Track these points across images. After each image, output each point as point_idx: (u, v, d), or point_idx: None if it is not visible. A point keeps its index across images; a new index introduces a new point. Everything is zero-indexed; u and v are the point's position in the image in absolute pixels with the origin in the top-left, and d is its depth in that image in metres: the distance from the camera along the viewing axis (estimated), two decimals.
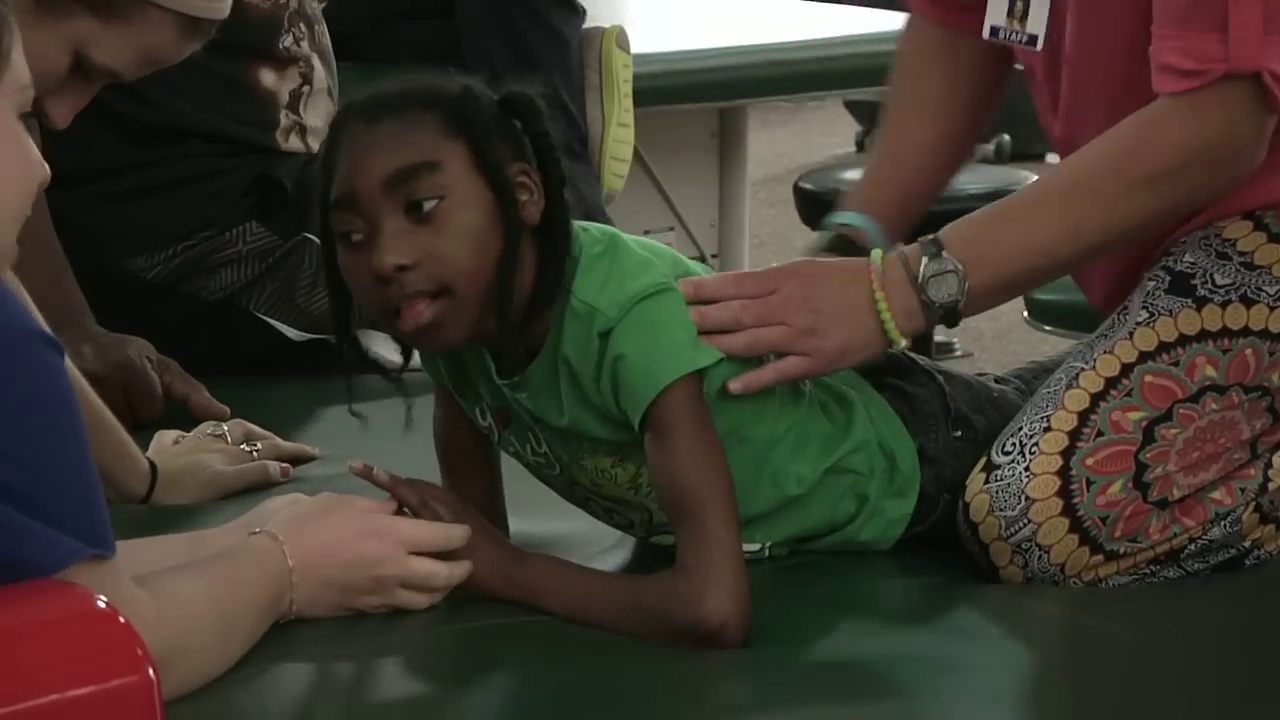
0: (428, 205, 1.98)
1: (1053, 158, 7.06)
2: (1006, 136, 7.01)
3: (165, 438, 2.47)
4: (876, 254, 2.18)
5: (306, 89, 2.97)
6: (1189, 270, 2.25)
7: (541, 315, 2.04)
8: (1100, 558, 2.22)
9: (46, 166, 1.86)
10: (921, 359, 2.31)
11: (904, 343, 2.14)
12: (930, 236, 2.17)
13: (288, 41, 2.93)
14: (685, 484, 2.02)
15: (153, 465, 2.39)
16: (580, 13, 4.28)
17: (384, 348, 2.17)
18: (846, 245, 2.42)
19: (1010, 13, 2.36)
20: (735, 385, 2.08)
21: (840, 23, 5.09)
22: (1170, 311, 2.24)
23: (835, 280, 2.15)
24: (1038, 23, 2.35)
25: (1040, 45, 2.35)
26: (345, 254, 2.02)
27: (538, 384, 2.08)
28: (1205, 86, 2.14)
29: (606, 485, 2.15)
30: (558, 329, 2.04)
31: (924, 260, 2.15)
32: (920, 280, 2.14)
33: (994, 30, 2.38)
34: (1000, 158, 6.92)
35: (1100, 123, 2.25)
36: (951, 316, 2.16)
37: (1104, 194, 2.19)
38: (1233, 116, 2.16)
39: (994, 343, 4.92)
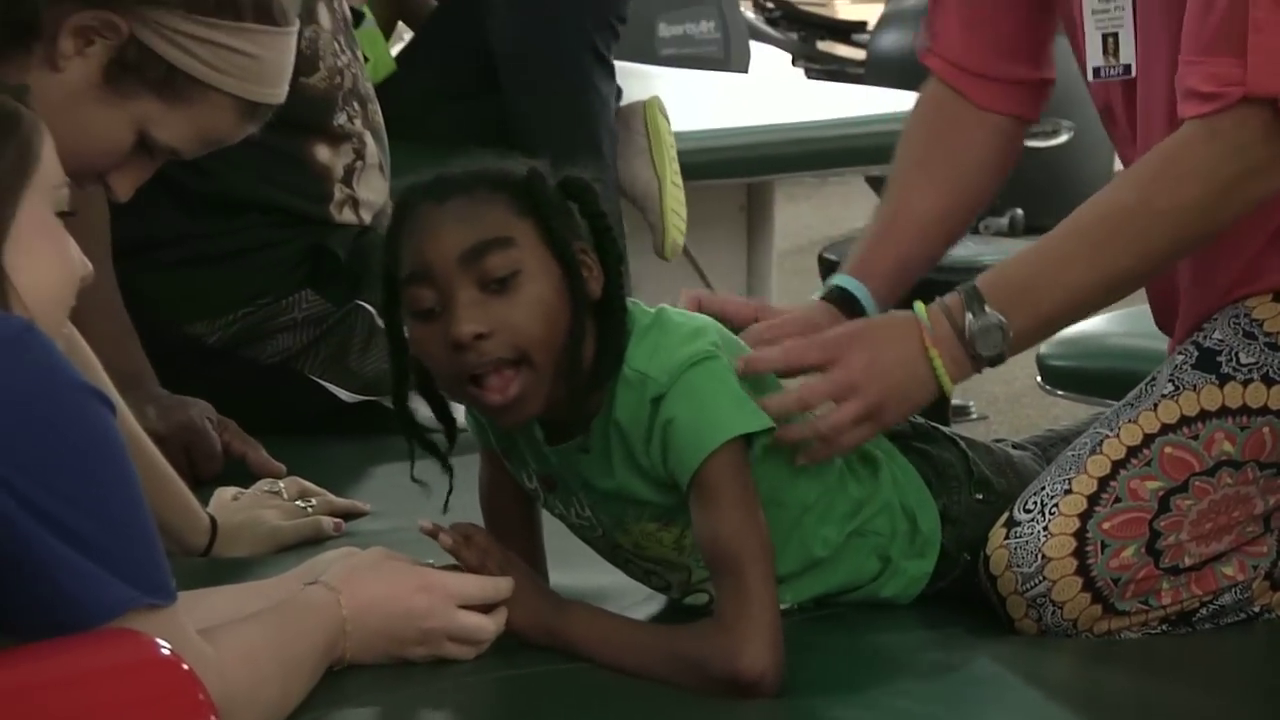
0: (502, 278, 1.98)
1: None
2: (1020, 210, 7.02)
3: (225, 494, 2.47)
4: (920, 309, 2.17)
5: (359, 164, 2.98)
6: (1216, 347, 2.24)
7: (603, 385, 2.04)
8: (1111, 615, 2.21)
9: (89, 263, 1.87)
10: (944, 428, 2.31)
11: (952, 390, 2.15)
12: (971, 286, 2.16)
13: (342, 119, 2.95)
14: (728, 542, 2.01)
15: (213, 520, 2.39)
16: (615, 80, 4.31)
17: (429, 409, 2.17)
18: (839, 305, 2.41)
19: (1105, 49, 2.35)
20: (800, 460, 2.10)
21: (860, 103, 5.11)
22: (1194, 386, 2.22)
23: (890, 339, 2.15)
24: (1128, 52, 2.34)
25: (1134, 71, 2.34)
26: (418, 327, 2.02)
27: (582, 447, 2.07)
28: (1224, 110, 2.13)
29: (650, 547, 2.14)
30: (610, 396, 2.04)
31: (969, 316, 2.14)
32: (967, 336, 2.14)
33: (1096, 71, 2.36)
34: (1014, 230, 6.92)
35: None
36: (996, 363, 2.16)
37: (1130, 225, 2.19)
38: (1249, 140, 2.14)
39: (1007, 405, 4.92)
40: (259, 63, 2.17)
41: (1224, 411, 2.22)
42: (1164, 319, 2.45)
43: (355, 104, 2.98)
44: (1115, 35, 2.33)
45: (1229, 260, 2.27)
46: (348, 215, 2.97)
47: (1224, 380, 2.22)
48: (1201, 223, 2.18)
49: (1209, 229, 2.19)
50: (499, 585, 2.06)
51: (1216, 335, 2.25)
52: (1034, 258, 2.23)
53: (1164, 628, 2.23)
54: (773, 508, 2.07)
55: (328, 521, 2.45)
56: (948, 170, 2.53)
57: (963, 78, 2.51)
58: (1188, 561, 2.21)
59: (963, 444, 2.28)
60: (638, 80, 4.50)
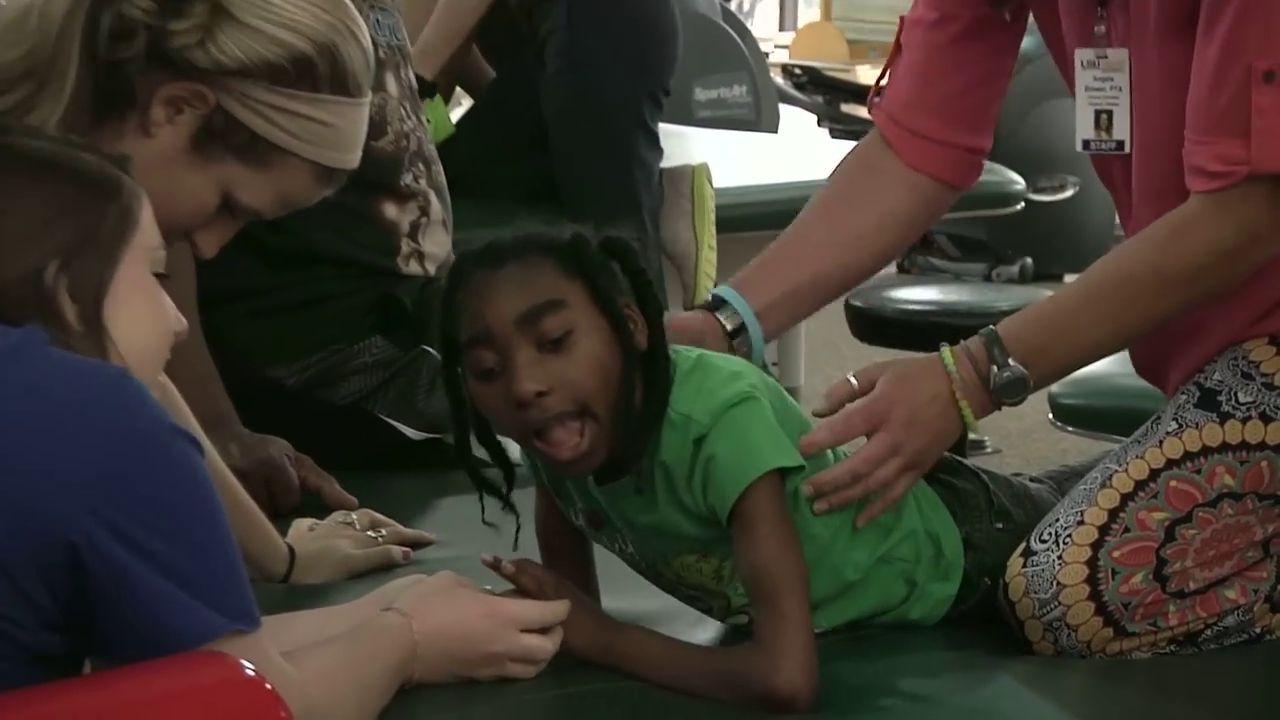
0: (557, 338, 1.98)
1: (1073, 277, 7.14)
2: (1029, 259, 7.03)
3: (302, 525, 2.47)
4: (948, 359, 2.17)
5: (424, 220, 2.98)
6: (1216, 388, 2.24)
7: (652, 429, 2.03)
8: (1123, 637, 2.20)
9: (183, 319, 1.88)
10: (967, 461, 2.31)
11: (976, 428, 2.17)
12: (993, 334, 2.17)
13: (408, 179, 2.95)
14: (765, 569, 2.01)
15: (291, 549, 2.39)
16: (660, 146, 4.31)
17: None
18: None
19: (1097, 124, 2.34)
20: (861, 520, 2.12)
21: None
22: (1197, 424, 2.22)
23: (924, 393, 2.16)
24: (1122, 129, 2.33)
25: (1128, 148, 2.33)
26: (480, 386, 2.03)
27: (632, 487, 2.07)
28: (1230, 187, 2.13)
29: (691, 576, 2.14)
30: (656, 438, 2.04)
31: (994, 369, 2.15)
32: (992, 386, 2.15)
33: (1085, 143, 2.35)
34: (1024, 278, 6.93)
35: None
36: (1015, 405, 2.19)
37: (1143, 292, 2.19)
38: (1254, 213, 2.14)
39: (1019, 440, 4.90)
40: (335, 131, 2.17)
41: (1224, 447, 2.21)
42: (1149, 367, 2.44)
43: (420, 165, 2.98)
44: (1110, 112, 2.32)
45: (1232, 313, 2.26)
46: (414, 267, 2.97)
47: (1224, 418, 2.22)
48: (1208, 287, 2.18)
49: (1214, 292, 2.20)
50: (555, 609, 2.05)
51: (1216, 376, 2.25)
52: (1051, 319, 2.23)
53: (1171, 648, 2.22)
54: (805, 538, 2.07)
55: (397, 550, 2.44)
56: (855, 214, 2.51)
57: (900, 133, 2.49)
58: (1193, 586, 2.20)
59: (984, 477, 2.27)
60: (676, 140, 4.50)
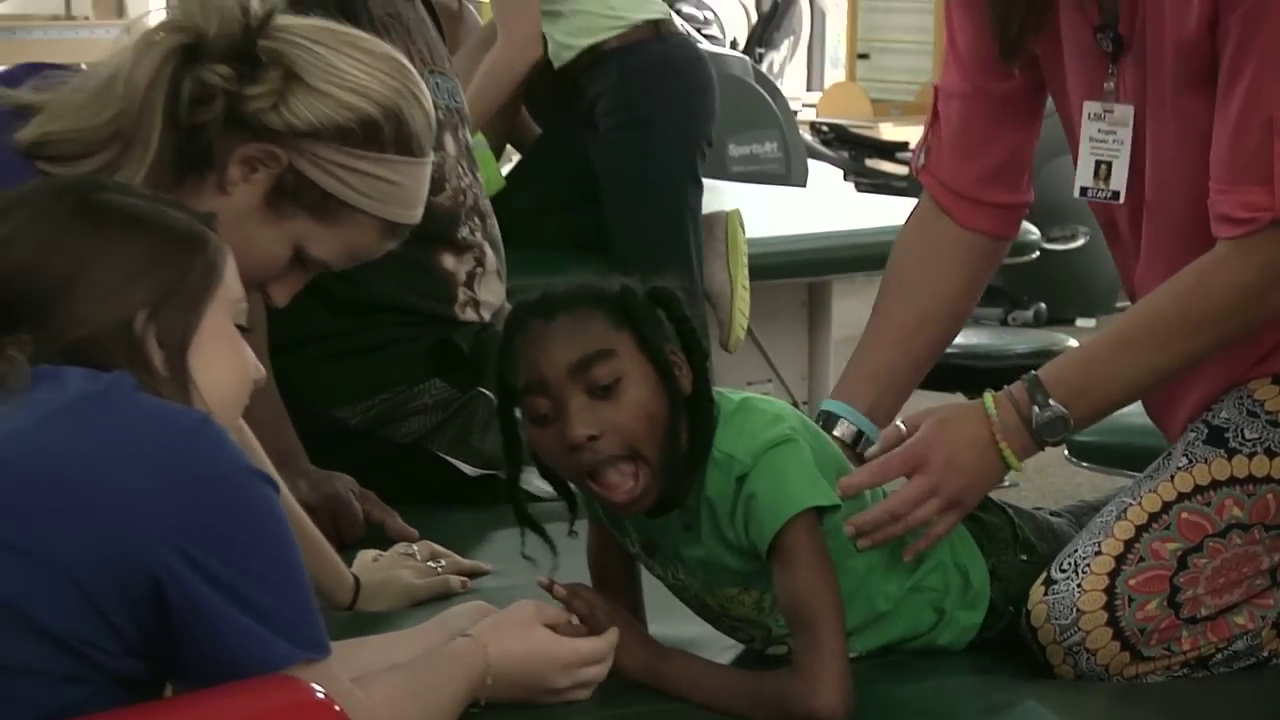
0: (607, 385, 1.99)
1: (1084, 321, 7.15)
2: (1043, 304, 7.02)
3: (366, 556, 2.47)
4: (989, 403, 2.17)
5: (480, 270, 2.98)
6: (1224, 425, 2.23)
7: (698, 468, 2.04)
8: (1139, 661, 2.20)
9: (261, 368, 1.89)
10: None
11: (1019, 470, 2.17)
12: (1034, 379, 2.17)
13: (464, 232, 2.95)
14: (803, 600, 2.01)
15: (356, 579, 2.39)
16: (703, 191, 4.33)
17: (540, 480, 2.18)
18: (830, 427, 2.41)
19: (1096, 174, 2.33)
20: (907, 555, 2.13)
21: (904, 213, 5.06)
22: (1206, 460, 2.22)
23: (963, 436, 2.15)
24: (1119, 180, 2.32)
25: (1122, 200, 2.33)
26: (536, 431, 2.03)
27: (678, 522, 2.08)
28: (1256, 232, 2.12)
29: (734, 608, 2.14)
30: (702, 476, 2.04)
31: (1035, 409, 2.15)
32: (1034, 426, 2.15)
33: (1083, 190, 2.35)
34: (1038, 322, 6.91)
35: (1184, 262, 2.22)
36: (1056, 445, 2.18)
37: (1175, 334, 2.18)
38: (1278, 256, 2.14)
39: (1035, 475, 4.88)
40: (400, 189, 2.17)
41: (1232, 481, 2.21)
42: (1157, 408, 2.43)
43: (476, 219, 2.98)
44: (1109, 164, 2.31)
45: (1236, 356, 2.25)
46: (470, 314, 2.97)
47: (1231, 454, 2.22)
48: (1235, 328, 2.18)
49: (1240, 333, 2.19)
50: (609, 640, 2.06)
51: (1224, 414, 2.24)
52: (1089, 363, 2.22)
53: (1184, 671, 2.22)
54: (841, 571, 2.06)
55: (455, 580, 2.44)
56: (928, 286, 2.51)
57: (951, 198, 2.49)
58: (1204, 612, 2.20)
59: (1010, 511, 2.27)
60: (712, 193, 4.50)
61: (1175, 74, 2.21)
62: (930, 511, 2.11)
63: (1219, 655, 2.22)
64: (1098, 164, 2.32)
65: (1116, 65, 2.28)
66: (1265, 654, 2.25)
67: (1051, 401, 2.15)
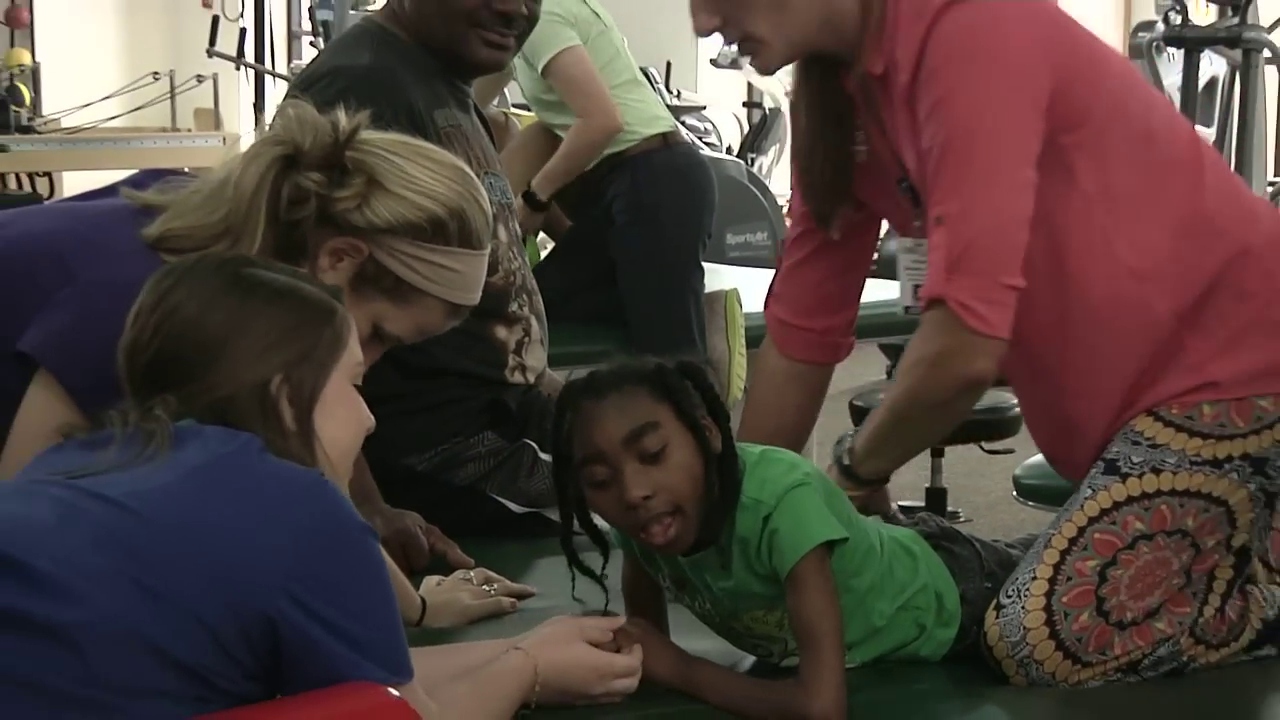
0: (655, 452, 1.99)
1: None
2: None
3: (431, 580, 2.46)
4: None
5: (527, 339, 2.99)
6: (1115, 457, 2.24)
7: (728, 513, 2.04)
8: (1079, 667, 2.19)
9: (372, 418, 1.90)
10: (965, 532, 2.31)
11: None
12: (849, 446, 2.29)
13: (514, 307, 2.96)
14: (811, 621, 2.01)
15: (423, 600, 2.39)
16: (704, 275, 4.35)
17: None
18: None
19: (915, 295, 2.34)
20: None
21: (873, 291, 5.11)
22: (1106, 487, 2.22)
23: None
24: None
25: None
26: (595, 494, 2.04)
27: (712, 559, 2.08)
28: (925, 311, 2.17)
29: (758, 627, 2.13)
30: (733, 519, 2.04)
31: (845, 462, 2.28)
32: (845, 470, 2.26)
33: (906, 309, 2.39)
34: None
35: None
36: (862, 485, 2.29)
37: (895, 389, 2.26)
38: (936, 330, 2.17)
39: (987, 511, 4.88)
40: (462, 276, 2.19)
41: (1130, 500, 2.21)
42: (1062, 465, 2.44)
43: (524, 296, 2.99)
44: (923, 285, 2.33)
45: (1111, 411, 2.28)
46: (518, 377, 2.97)
47: (1124, 477, 2.22)
48: (917, 390, 2.24)
49: (924, 397, 2.24)
50: (637, 656, 2.06)
51: (1114, 449, 2.25)
52: (867, 437, 2.30)
53: (1118, 675, 2.21)
54: (843, 592, 2.06)
55: (506, 601, 2.44)
56: (766, 410, 2.59)
57: (777, 327, 2.54)
58: (1130, 616, 2.20)
59: (977, 545, 2.27)
60: (713, 275, 4.51)
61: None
62: None
63: (1146, 660, 2.21)
64: (915, 287, 2.34)
65: (919, 209, 2.30)
66: (1185, 659, 2.24)
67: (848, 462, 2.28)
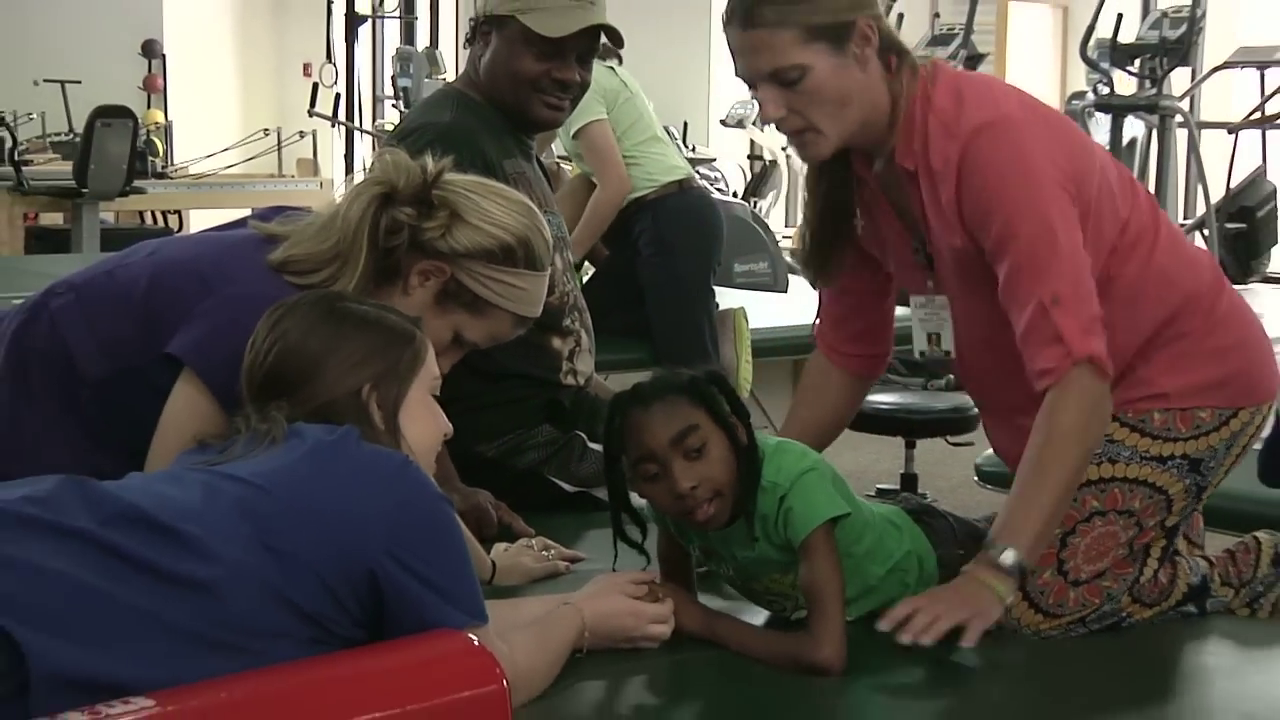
0: (697, 449, 1.98)
1: None
2: (952, 375, 6.91)
3: (499, 547, 2.45)
4: (970, 566, 2.10)
5: (578, 349, 2.97)
6: None
7: (752, 494, 2.03)
8: (1041, 617, 2.18)
9: (450, 426, 1.93)
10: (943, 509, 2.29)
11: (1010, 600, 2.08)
12: (988, 539, 2.09)
13: (567, 321, 2.95)
14: (817, 583, 2.00)
15: (493, 562, 2.38)
16: (716, 300, 4.36)
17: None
18: None
19: (930, 341, 2.33)
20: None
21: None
22: None
23: (963, 583, 2.07)
24: (948, 342, 2.32)
25: (953, 355, 2.33)
26: (647, 487, 2.03)
27: (740, 532, 2.06)
28: (1065, 375, 2.09)
29: (776, 587, 2.12)
30: (754, 499, 2.03)
31: (998, 558, 2.06)
32: (1004, 567, 2.06)
33: (921, 353, 2.35)
34: (949, 387, 6.82)
35: (991, 385, 2.28)
36: (1024, 573, 2.09)
37: (1055, 462, 2.10)
38: (1088, 383, 2.10)
39: (949, 494, 4.83)
40: (527, 293, 2.18)
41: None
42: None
43: (576, 313, 2.98)
44: (939, 334, 2.31)
45: None
46: (570, 380, 2.95)
47: None
48: (1088, 440, 2.12)
49: (1096, 444, 2.15)
50: (669, 606, 2.05)
51: None
52: (1010, 517, 2.10)
53: (1071, 627, 2.19)
54: (845, 557, 2.05)
55: (561, 564, 2.43)
56: (821, 406, 2.51)
57: (830, 352, 2.49)
58: (1083, 576, 2.18)
59: (950, 519, 2.25)
60: (723, 296, 4.52)
61: (958, 273, 2.22)
62: (933, 620, 2.00)
63: (1093, 615, 2.20)
64: (929, 334, 2.32)
65: (933, 273, 2.28)
66: (1124, 614, 2.23)
67: (1006, 550, 2.06)
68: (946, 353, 2.33)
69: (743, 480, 2.02)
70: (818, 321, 2.52)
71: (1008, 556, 2.06)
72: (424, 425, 1.87)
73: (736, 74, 2.20)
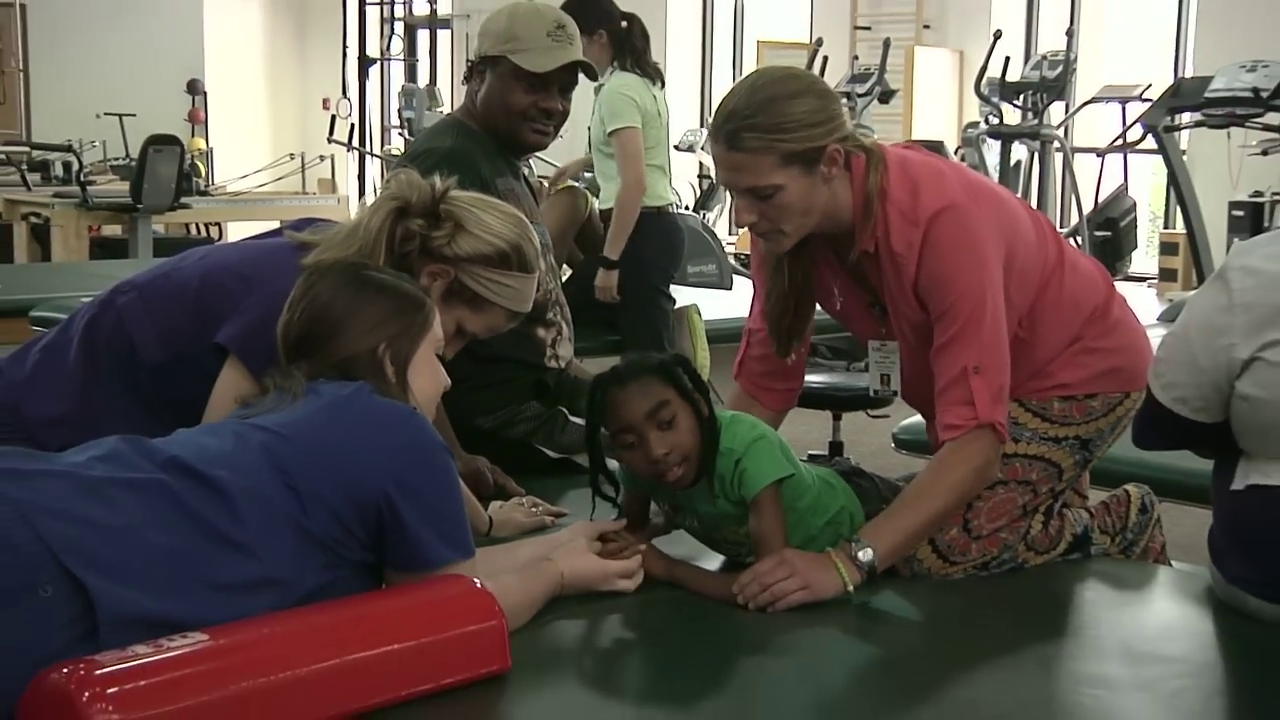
0: (668, 420, 1.97)
1: None
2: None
3: (495, 504, 2.43)
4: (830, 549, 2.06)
5: (559, 337, 2.95)
6: None
7: (714, 459, 2.01)
8: (947, 564, 2.17)
9: (449, 379, 1.91)
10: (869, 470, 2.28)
11: (851, 586, 2.02)
12: (857, 536, 2.07)
13: (551, 315, 2.92)
14: (766, 532, 2.00)
15: (490, 518, 2.36)
16: (672, 298, 4.34)
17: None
18: None
19: (882, 382, 2.30)
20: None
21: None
22: None
23: (817, 558, 2.03)
24: (896, 382, 2.29)
25: (900, 393, 2.30)
26: (625, 454, 2.02)
27: (703, 491, 2.05)
28: (966, 433, 2.08)
29: (733, 536, 2.11)
30: (714, 462, 2.02)
31: (857, 552, 2.04)
32: (857, 560, 2.03)
33: (875, 392, 2.32)
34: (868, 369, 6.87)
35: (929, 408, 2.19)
36: (873, 571, 2.05)
37: (931, 499, 2.10)
38: (984, 445, 2.09)
39: (870, 458, 4.76)
40: (519, 292, 2.16)
41: None
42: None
43: (558, 306, 2.95)
44: (889, 374, 2.29)
45: None
46: (553, 363, 2.93)
47: None
48: (965, 493, 2.12)
49: (969, 496, 2.14)
50: (636, 560, 2.03)
51: None
52: (881, 524, 2.09)
53: (974, 571, 2.19)
54: (790, 511, 2.04)
55: (547, 518, 2.41)
56: None
57: (751, 386, 2.42)
58: (985, 531, 2.18)
59: (876, 479, 2.24)
60: (679, 294, 4.49)
61: (908, 323, 2.18)
62: (784, 578, 1.97)
63: (994, 561, 2.20)
64: (882, 375, 2.30)
65: (885, 323, 2.24)
66: (1020, 561, 2.22)
67: (866, 548, 2.04)
68: (894, 392, 2.30)
69: (705, 447, 2.01)
70: (738, 364, 2.45)
71: (865, 554, 2.03)
72: (427, 380, 1.85)
73: (716, 181, 2.19)
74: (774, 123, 2.02)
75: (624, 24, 4.34)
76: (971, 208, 2.10)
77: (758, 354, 2.40)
